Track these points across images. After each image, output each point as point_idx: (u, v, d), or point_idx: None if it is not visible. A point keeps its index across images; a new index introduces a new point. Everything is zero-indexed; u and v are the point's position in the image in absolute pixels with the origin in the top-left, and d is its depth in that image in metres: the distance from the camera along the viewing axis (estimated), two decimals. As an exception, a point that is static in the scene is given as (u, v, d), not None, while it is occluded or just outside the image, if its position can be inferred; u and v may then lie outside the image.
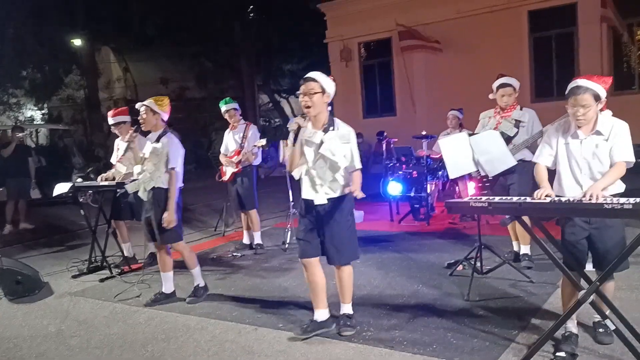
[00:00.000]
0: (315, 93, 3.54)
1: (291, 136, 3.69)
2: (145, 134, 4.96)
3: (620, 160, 3.08)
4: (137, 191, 4.73)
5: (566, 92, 3.15)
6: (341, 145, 3.59)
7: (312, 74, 3.62)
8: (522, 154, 4.70)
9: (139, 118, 4.70)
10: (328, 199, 3.65)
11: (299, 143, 3.64)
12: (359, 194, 3.57)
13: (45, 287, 5.53)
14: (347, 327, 3.77)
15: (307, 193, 3.72)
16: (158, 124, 4.68)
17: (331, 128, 3.63)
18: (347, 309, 3.86)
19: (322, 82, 3.57)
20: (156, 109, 4.62)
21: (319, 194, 3.65)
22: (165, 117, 4.71)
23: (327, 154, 3.56)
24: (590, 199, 2.85)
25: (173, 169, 4.56)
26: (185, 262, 4.82)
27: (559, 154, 3.27)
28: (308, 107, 3.56)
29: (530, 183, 3.27)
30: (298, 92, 3.63)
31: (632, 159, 3.10)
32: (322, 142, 3.58)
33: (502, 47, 12.63)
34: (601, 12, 10.79)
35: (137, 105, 4.75)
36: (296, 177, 3.74)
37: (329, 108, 3.69)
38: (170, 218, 4.51)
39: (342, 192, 3.65)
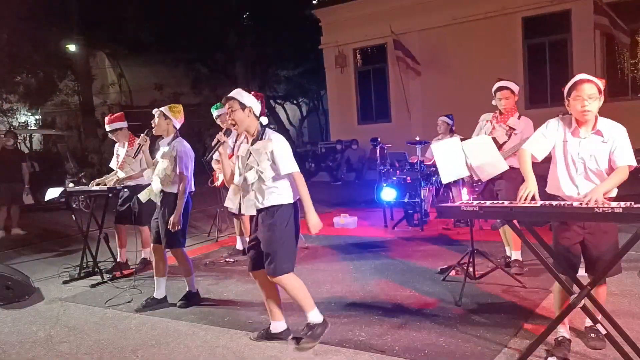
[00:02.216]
0: (234, 110, 3.59)
1: (214, 151, 3.79)
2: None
3: (624, 164, 3.05)
4: (138, 196, 4.87)
5: (567, 89, 3.12)
6: (263, 153, 3.54)
7: (231, 93, 3.67)
8: (510, 161, 4.66)
9: (152, 122, 4.76)
10: (260, 209, 3.60)
11: (225, 157, 3.76)
12: (314, 226, 3.58)
13: (35, 292, 5.49)
14: (306, 339, 3.63)
15: (240, 204, 3.73)
16: (170, 130, 4.74)
17: (260, 139, 3.62)
18: (310, 317, 3.67)
19: (240, 99, 3.61)
20: (169, 114, 4.70)
21: (247, 205, 3.64)
22: (178, 124, 4.78)
23: (253, 164, 3.57)
24: (587, 204, 2.83)
25: (182, 173, 4.62)
26: (181, 269, 4.82)
27: (556, 152, 3.24)
28: (233, 124, 3.64)
29: (518, 190, 3.24)
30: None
31: (634, 163, 3.08)
32: (250, 154, 3.61)
33: (497, 53, 12.71)
34: (595, 18, 10.86)
35: (154, 111, 4.81)
36: (237, 184, 3.76)
37: (261, 120, 3.70)
38: (175, 221, 4.55)
39: (275, 201, 3.56)
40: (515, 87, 4.88)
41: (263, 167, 3.53)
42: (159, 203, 4.72)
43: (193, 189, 4.79)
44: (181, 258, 4.76)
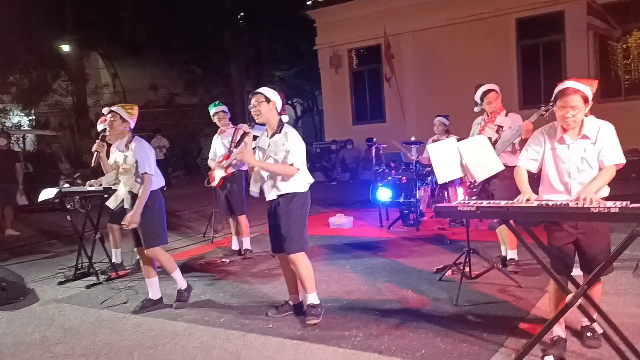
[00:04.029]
0: (260, 102, 4.01)
1: (241, 141, 4.19)
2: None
3: (611, 163, 3.08)
4: (106, 203, 4.84)
5: (554, 95, 3.15)
6: (281, 145, 4.01)
7: (258, 89, 4.12)
8: (503, 158, 4.69)
9: (106, 124, 4.62)
10: (278, 195, 4.06)
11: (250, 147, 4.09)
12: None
13: (30, 293, 5.47)
14: (311, 316, 4.06)
15: (262, 191, 4.19)
16: (124, 132, 4.60)
17: (278, 132, 4.07)
18: (310, 299, 4.14)
19: (266, 93, 4.05)
20: (125, 116, 4.57)
21: (270, 191, 4.11)
22: (133, 125, 4.64)
23: (271, 154, 4.06)
24: (583, 203, 2.84)
25: (145, 173, 4.47)
26: (163, 267, 4.78)
27: (546, 160, 3.26)
28: (257, 114, 4.04)
29: (511, 188, 3.26)
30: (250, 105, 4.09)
31: (623, 160, 3.10)
32: (269, 145, 4.08)
33: (491, 54, 12.76)
34: (588, 19, 10.92)
35: (104, 110, 4.66)
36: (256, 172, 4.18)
37: (281, 116, 4.13)
38: (134, 219, 4.41)
39: (290, 189, 4.04)
40: (497, 87, 5.03)
41: (279, 157, 3.99)
42: (128, 206, 4.60)
43: (163, 184, 4.72)
44: (161, 256, 4.67)
